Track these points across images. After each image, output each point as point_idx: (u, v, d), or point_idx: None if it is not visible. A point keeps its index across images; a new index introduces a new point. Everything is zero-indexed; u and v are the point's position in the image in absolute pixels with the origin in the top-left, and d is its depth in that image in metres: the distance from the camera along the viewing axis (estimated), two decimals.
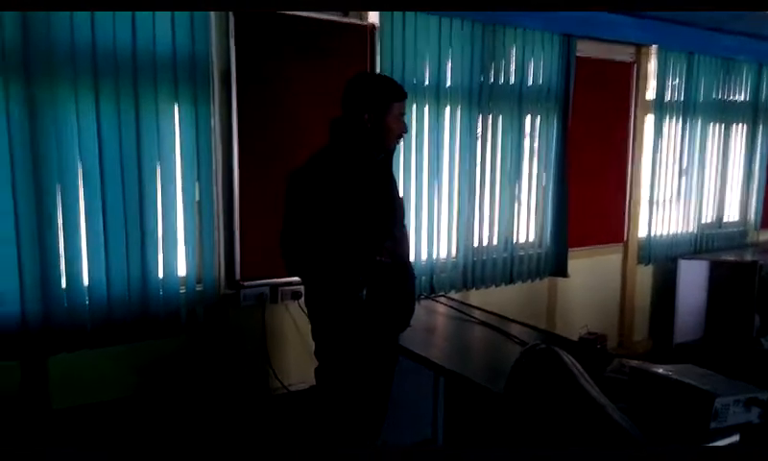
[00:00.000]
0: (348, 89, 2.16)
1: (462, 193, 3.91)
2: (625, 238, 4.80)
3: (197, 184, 3.06)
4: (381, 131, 2.12)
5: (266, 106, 3.22)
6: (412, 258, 3.60)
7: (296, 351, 3.37)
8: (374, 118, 2.11)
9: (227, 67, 3.11)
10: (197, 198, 3.07)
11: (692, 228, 5.13)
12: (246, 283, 3.23)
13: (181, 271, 3.06)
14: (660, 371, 1.79)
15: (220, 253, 3.18)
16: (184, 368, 3.19)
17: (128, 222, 2.89)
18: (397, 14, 3.47)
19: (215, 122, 3.11)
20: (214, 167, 3.11)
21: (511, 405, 0.96)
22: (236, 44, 3.10)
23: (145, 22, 2.84)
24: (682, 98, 4.85)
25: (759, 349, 4.78)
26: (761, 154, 5.53)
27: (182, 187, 3.03)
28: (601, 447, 0.78)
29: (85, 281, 2.85)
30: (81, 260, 2.83)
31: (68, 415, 2.90)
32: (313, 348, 2.29)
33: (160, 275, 2.99)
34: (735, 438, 1.69)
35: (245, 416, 3.30)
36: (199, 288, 3.10)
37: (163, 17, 2.88)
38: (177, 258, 3.03)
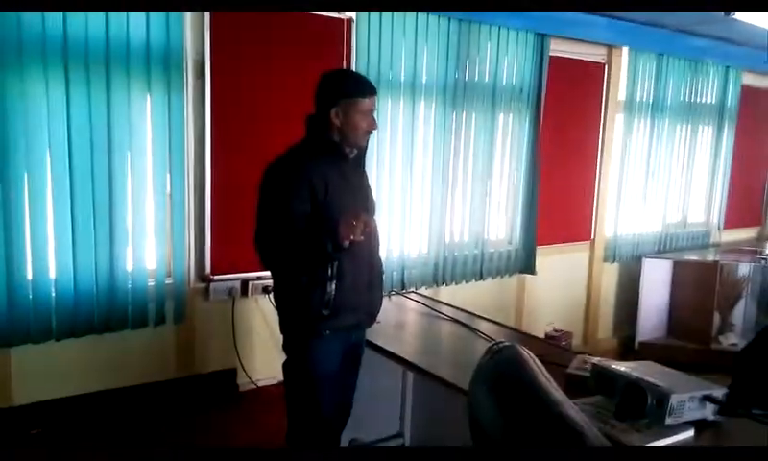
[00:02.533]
0: (317, 87, 2.17)
1: (434, 189, 3.94)
2: (592, 237, 4.89)
3: (168, 176, 3.03)
4: (349, 127, 2.13)
5: (241, 98, 3.19)
6: (383, 254, 3.66)
7: (265, 346, 3.37)
8: (342, 115, 2.12)
9: (201, 58, 3.08)
10: (168, 190, 3.03)
11: (657, 227, 5.25)
12: (216, 277, 3.22)
13: (151, 264, 3.02)
14: (620, 368, 1.85)
15: (190, 246, 3.15)
16: (153, 362, 3.16)
17: (96, 213, 2.85)
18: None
19: (188, 113, 3.08)
20: (186, 159, 3.08)
21: (473, 403, 0.99)
22: (211, 35, 3.07)
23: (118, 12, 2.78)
24: (651, 99, 4.95)
25: (719, 347, 4.93)
26: (726, 156, 5.67)
27: (153, 179, 3.00)
28: (555, 443, 0.81)
29: (52, 273, 2.80)
30: (47, 251, 2.78)
31: (30, 411, 2.85)
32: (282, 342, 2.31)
33: (129, 267, 2.96)
34: (690, 433, 1.76)
35: (213, 411, 3.28)
36: (168, 281, 3.08)
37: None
38: (146, 251, 2.99)
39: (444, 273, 4.08)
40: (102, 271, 2.90)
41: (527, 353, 0.99)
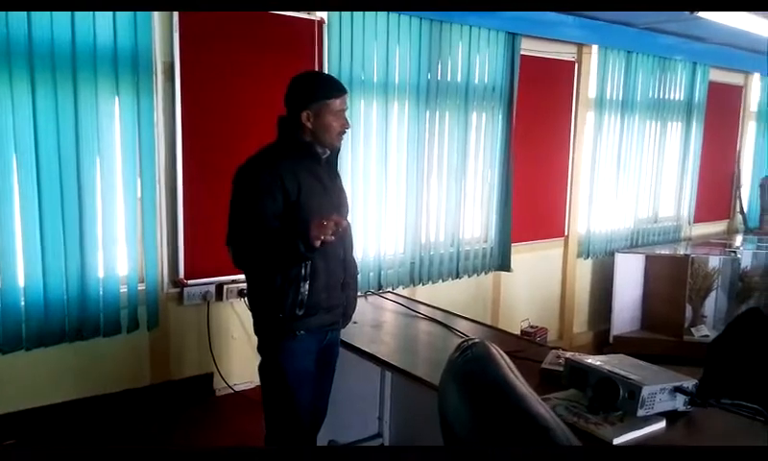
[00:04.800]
0: (288, 89, 2.17)
1: (409, 189, 3.95)
2: (565, 233, 4.95)
3: (138, 180, 2.99)
4: (321, 128, 2.13)
5: (211, 100, 3.16)
6: (359, 255, 3.66)
7: (241, 350, 3.34)
8: (313, 116, 2.12)
9: (170, 60, 3.04)
10: (139, 194, 2.99)
11: (629, 223, 5.32)
12: (190, 282, 3.18)
13: (123, 270, 2.98)
14: (593, 362, 1.88)
15: (163, 251, 3.11)
16: (127, 369, 3.11)
17: (65, 219, 2.80)
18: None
19: (158, 116, 3.04)
20: (157, 162, 3.04)
21: (442, 400, 1.00)
22: (180, 36, 3.03)
23: (85, 13, 2.74)
24: (620, 96, 5.02)
25: (691, 339, 5.02)
26: (695, 151, 5.78)
27: (123, 183, 2.95)
28: (521, 438, 0.82)
29: (21, 281, 2.74)
30: (16, 259, 2.72)
31: (2, 422, 2.79)
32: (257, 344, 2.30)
33: (100, 274, 2.92)
34: (662, 424, 1.79)
35: (189, 417, 3.24)
36: (141, 287, 3.04)
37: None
38: (117, 257, 2.95)
39: (420, 272, 4.09)
40: (72, 278, 2.85)
41: (496, 350, 1.00)
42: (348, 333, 2.59)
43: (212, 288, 3.26)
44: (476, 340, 1.01)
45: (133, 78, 2.90)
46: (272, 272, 2.12)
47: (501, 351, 1.01)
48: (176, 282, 3.18)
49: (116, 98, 2.89)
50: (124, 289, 2.99)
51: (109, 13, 2.79)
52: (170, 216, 3.12)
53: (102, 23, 2.78)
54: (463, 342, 1.03)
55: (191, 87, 3.08)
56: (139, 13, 2.87)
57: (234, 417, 3.31)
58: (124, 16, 2.83)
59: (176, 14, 2.99)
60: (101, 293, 2.92)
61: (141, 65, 2.91)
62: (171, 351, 3.23)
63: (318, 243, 1.99)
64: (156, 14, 2.96)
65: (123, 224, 2.96)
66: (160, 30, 3.00)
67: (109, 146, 2.90)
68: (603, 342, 5.13)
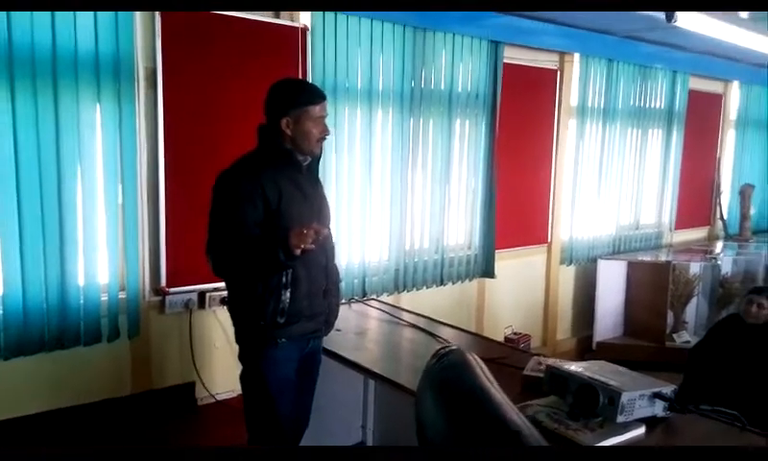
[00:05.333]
0: (267, 96, 2.18)
1: (393, 196, 3.96)
2: (548, 240, 4.98)
3: (120, 187, 2.96)
4: (301, 135, 2.13)
5: (194, 107, 3.15)
6: (344, 262, 3.65)
7: (224, 359, 3.32)
8: (292, 123, 2.12)
9: (153, 66, 3.03)
10: (120, 201, 2.97)
11: (611, 229, 5.37)
12: (172, 290, 3.16)
13: (103, 278, 2.95)
14: (573, 368, 1.90)
15: (144, 258, 3.09)
16: (107, 378, 3.08)
17: (45, 226, 2.77)
18: (329, 17, 3.47)
19: (140, 123, 3.02)
20: (138, 169, 3.02)
21: (419, 407, 1.00)
22: (163, 43, 3.02)
23: (66, 18, 2.72)
24: (602, 104, 5.07)
25: (673, 344, 5.07)
26: (675, 159, 5.85)
27: (105, 190, 2.93)
28: (494, 444, 0.83)
29: None
30: None
31: None
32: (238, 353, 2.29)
33: (81, 282, 2.88)
34: (642, 430, 1.81)
35: (171, 427, 3.21)
36: (122, 296, 3.01)
37: (85, 13, 2.76)
38: (98, 265, 2.92)
39: (404, 279, 4.09)
40: (52, 286, 2.81)
41: (472, 357, 1.00)
42: (332, 341, 2.59)
43: (194, 296, 3.24)
44: (453, 347, 1.02)
45: (115, 83, 2.88)
46: (252, 280, 2.11)
47: (478, 359, 1.02)
48: (157, 290, 3.15)
49: (97, 104, 2.87)
50: (105, 297, 2.96)
51: (91, 19, 2.77)
52: (152, 224, 3.10)
53: (83, 28, 2.76)
54: (439, 349, 1.04)
55: (174, 94, 3.07)
56: (121, 19, 2.85)
57: (217, 426, 3.28)
58: (105, 22, 2.81)
59: (158, 20, 2.98)
60: (81, 301, 2.89)
61: (123, 71, 2.89)
62: (152, 361, 3.20)
63: (298, 252, 1.99)
64: (138, 20, 2.95)
65: (104, 231, 2.93)
66: (142, 36, 2.98)
67: (90, 153, 2.87)
68: (586, 348, 5.16)
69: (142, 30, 2.98)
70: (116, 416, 3.08)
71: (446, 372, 0.97)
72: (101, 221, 2.92)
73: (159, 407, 3.21)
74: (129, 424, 3.10)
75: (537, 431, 0.91)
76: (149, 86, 3.03)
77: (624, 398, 1.73)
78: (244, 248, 2.06)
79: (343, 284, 3.66)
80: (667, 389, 1.87)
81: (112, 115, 2.91)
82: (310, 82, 3.27)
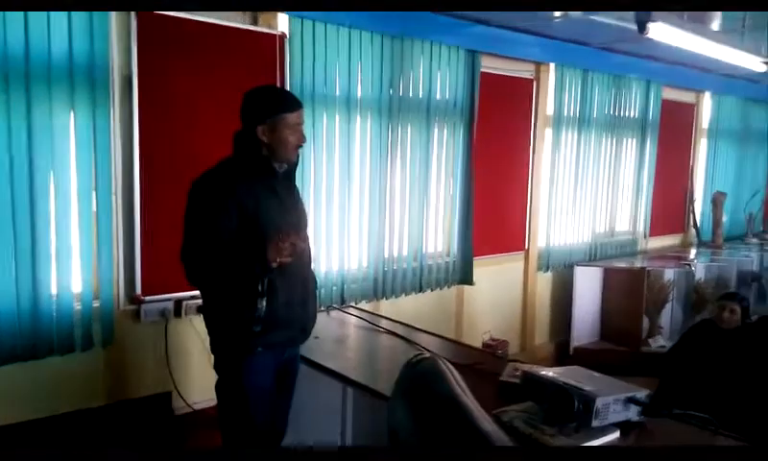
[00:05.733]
0: (242, 104, 2.17)
1: (372, 203, 3.96)
2: (526, 247, 5.02)
3: (94, 194, 2.92)
4: (277, 143, 2.13)
5: (170, 114, 3.13)
6: (322, 270, 3.65)
7: (201, 368, 3.28)
8: (269, 131, 2.12)
9: (128, 73, 3.00)
10: (94, 209, 2.93)
11: (587, 237, 5.44)
12: (147, 298, 3.12)
13: (77, 287, 2.91)
14: (548, 374, 1.91)
15: (119, 267, 3.05)
16: (81, 388, 3.02)
17: (17, 234, 2.72)
18: (307, 24, 3.47)
19: (115, 129, 2.99)
20: (113, 176, 2.99)
21: (390, 413, 1.01)
22: (139, 49, 2.99)
23: (38, 23, 2.68)
24: (577, 113, 5.14)
25: (648, 349, 5.14)
26: (649, 167, 5.94)
27: (78, 198, 2.88)
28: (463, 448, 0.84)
29: None
30: None
31: None
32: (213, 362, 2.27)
33: (53, 291, 2.83)
34: (616, 434, 1.83)
35: (147, 437, 3.16)
36: (95, 304, 2.96)
37: (59, 18, 2.73)
38: (71, 273, 2.87)
39: (383, 286, 4.09)
40: (24, 296, 2.76)
41: (444, 365, 1.01)
42: (310, 349, 2.58)
43: (170, 305, 3.20)
44: (425, 355, 1.03)
45: (90, 90, 2.85)
46: (227, 289, 2.10)
47: (450, 366, 1.03)
48: (132, 299, 3.11)
49: (71, 110, 2.83)
50: (78, 306, 2.91)
51: (65, 24, 2.74)
52: (126, 231, 3.06)
53: (57, 34, 2.72)
54: (412, 357, 1.04)
55: (149, 101, 3.04)
56: (96, 24, 2.82)
57: (194, 436, 3.24)
58: (80, 27, 2.78)
59: (134, 25, 2.96)
60: (54, 310, 2.84)
61: (98, 77, 2.86)
62: (127, 370, 3.16)
63: (274, 265, 1.99)
64: (113, 26, 2.92)
65: (77, 240, 2.89)
66: (118, 42, 2.96)
67: (64, 160, 2.83)
68: (563, 353, 5.21)
69: (117, 36, 2.96)
70: (91, 426, 3.03)
71: (418, 379, 0.98)
72: (74, 229, 2.88)
73: (135, 417, 3.16)
74: (104, 434, 3.05)
75: (506, 437, 0.92)
76: (124, 93, 3.00)
77: (598, 403, 1.75)
78: (220, 257, 2.05)
79: (321, 292, 3.66)
80: (641, 394, 1.89)
81: (87, 122, 2.87)
82: (287, 89, 3.27)
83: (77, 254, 2.89)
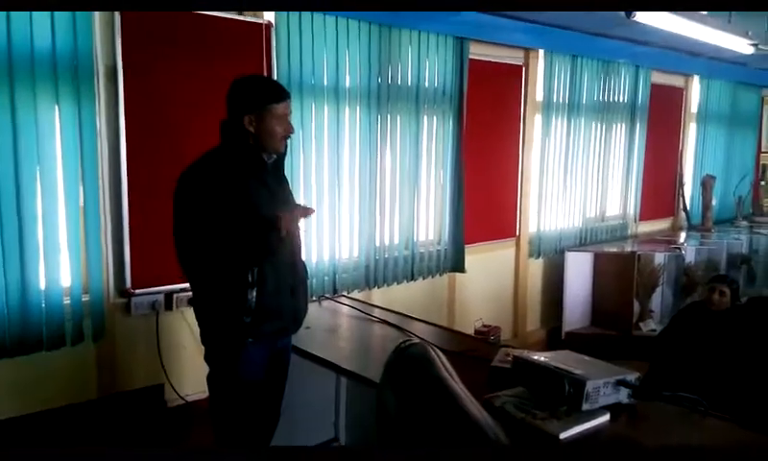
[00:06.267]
0: (229, 93, 2.15)
1: (363, 193, 3.95)
2: (517, 233, 5.03)
3: (81, 188, 2.90)
4: (264, 133, 2.12)
5: (156, 105, 3.10)
6: (313, 259, 3.64)
7: (192, 360, 3.27)
8: (256, 121, 2.10)
9: (113, 64, 2.97)
10: (81, 202, 2.90)
11: (578, 222, 5.45)
12: (137, 291, 3.10)
13: (66, 281, 2.89)
14: (539, 358, 1.92)
15: (108, 260, 3.03)
16: (72, 382, 3.01)
17: (4, 229, 2.70)
18: (294, 13, 3.44)
19: (101, 122, 2.96)
20: (100, 169, 2.96)
21: (379, 399, 1.01)
22: (123, 40, 2.96)
23: (21, 17, 2.64)
24: (567, 99, 5.14)
25: (639, 333, 5.18)
26: (639, 152, 5.96)
27: (65, 192, 2.86)
28: (453, 434, 0.84)
29: None
30: None
31: None
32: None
33: (42, 285, 2.81)
34: (606, 417, 1.84)
35: (140, 429, 3.16)
36: (85, 298, 2.94)
37: (42, 12, 2.69)
38: (60, 267, 2.85)
39: (375, 275, 4.09)
40: (12, 290, 2.74)
41: (433, 351, 1.01)
42: (302, 339, 2.58)
43: (161, 297, 3.19)
44: (414, 341, 1.03)
45: (74, 82, 2.82)
46: (222, 277, 2.08)
47: (438, 352, 1.03)
48: (122, 292, 3.09)
49: (56, 104, 2.80)
50: (67, 301, 2.89)
51: (47, 17, 2.70)
52: (115, 224, 3.04)
53: (39, 27, 2.69)
54: (401, 343, 1.04)
55: (135, 91, 3.01)
56: (79, 18, 2.79)
57: (187, 428, 3.24)
58: (63, 19, 2.75)
59: (117, 16, 2.92)
60: (43, 305, 2.82)
61: (82, 70, 2.83)
62: (119, 363, 3.15)
63: (284, 233, 2.02)
64: (96, 17, 2.89)
65: (65, 233, 2.87)
66: (102, 33, 2.92)
67: (50, 154, 2.80)
68: (555, 338, 5.23)
69: (101, 27, 2.92)
70: (83, 420, 3.02)
71: (407, 365, 0.98)
72: (62, 223, 2.86)
73: (127, 410, 3.16)
74: (96, 427, 3.04)
75: (494, 422, 0.92)
76: (109, 85, 2.97)
77: (589, 386, 1.76)
78: (215, 246, 2.03)
79: (313, 281, 3.66)
80: (631, 376, 1.91)
81: (72, 115, 2.84)
82: (274, 79, 3.25)
83: (65, 249, 2.87)
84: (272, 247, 2.04)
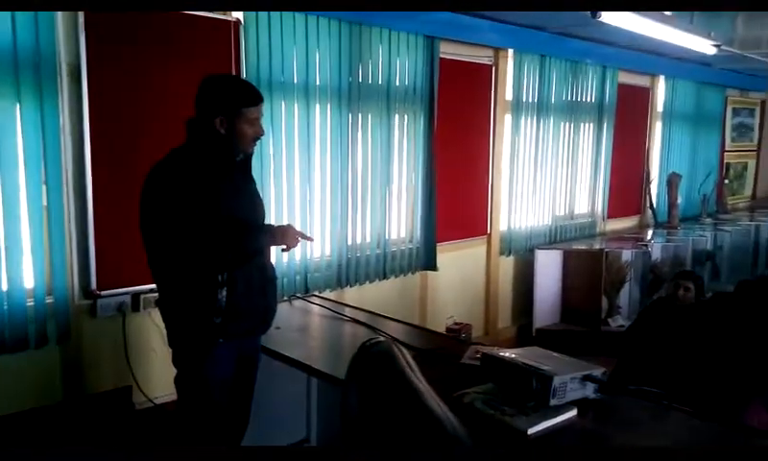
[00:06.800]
0: (199, 92, 2.12)
1: (334, 192, 3.94)
2: (488, 231, 5.07)
3: (44, 187, 2.83)
4: (234, 135, 2.10)
5: (122, 103, 3.04)
6: (284, 259, 3.62)
7: (161, 362, 3.21)
8: (227, 123, 2.08)
9: (76, 62, 2.90)
10: (44, 202, 2.84)
11: (547, 220, 5.51)
12: (103, 292, 3.04)
13: (29, 282, 2.82)
14: (507, 355, 1.94)
15: (72, 261, 2.96)
16: (37, 386, 2.95)
17: None
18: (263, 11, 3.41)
19: (64, 120, 2.89)
20: (64, 168, 2.90)
21: (343, 397, 1.02)
22: (87, 36, 2.90)
23: None
24: (536, 98, 5.19)
25: (608, 329, 5.26)
26: (606, 151, 6.05)
27: (27, 191, 2.79)
28: (415, 430, 0.85)
29: None
30: None
31: None
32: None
33: (4, 287, 2.74)
34: (573, 412, 1.87)
35: (108, 433, 3.11)
36: (49, 300, 2.87)
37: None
38: (23, 269, 2.79)
39: (347, 274, 4.08)
40: None
41: (397, 348, 1.02)
42: (272, 339, 2.57)
43: (128, 298, 3.13)
44: (379, 339, 1.03)
45: (36, 80, 2.74)
46: (198, 276, 2.06)
47: (403, 349, 1.03)
48: (88, 293, 3.03)
49: (17, 102, 2.73)
50: (31, 302, 2.83)
51: (8, 14, 2.63)
52: (79, 224, 2.97)
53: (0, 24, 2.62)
54: (366, 341, 1.05)
55: (100, 90, 2.95)
56: (41, 13, 2.72)
57: (156, 431, 3.19)
58: (24, 17, 2.67)
59: (81, 14, 2.86)
60: (5, 307, 2.75)
61: (44, 68, 2.76)
62: (85, 366, 3.08)
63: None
64: (59, 14, 2.82)
65: (28, 234, 2.80)
66: (64, 29, 2.86)
67: (11, 153, 2.73)
68: (526, 335, 5.29)
69: (64, 24, 2.86)
70: (48, 424, 2.96)
71: (370, 363, 0.98)
72: (24, 223, 2.79)
73: (94, 413, 3.10)
74: (62, 431, 2.98)
75: (454, 417, 0.93)
76: (73, 83, 2.91)
77: (556, 381, 1.78)
78: (189, 240, 2.01)
79: (284, 281, 3.64)
80: (597, 371, 1.94)
81: (34, 114, 2.77)
82: (247, 80, 3.21)
83: (28, 250, 2.80)
84: (254, 253, 2.04)
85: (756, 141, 8.52)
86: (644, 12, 3.44)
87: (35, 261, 2.82)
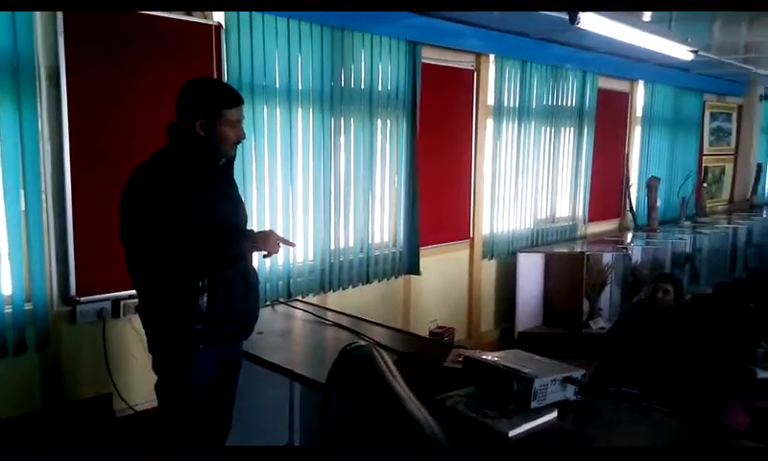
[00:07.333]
0: (180, 96, 2.11)
1: (317, 196, 3.93)
2: (471, 235, 5.09)
3: (22, 192, 2.80)
4: (215, 138, 2.09)
5: (102, 107, 3.01)
6: (267, 264, 3.60)
7: (141, 368, 3.18)
8: (207, 126, 2.07)
9: (55, 65, 2.87)
10: (22, 207, 2.80)
11: (529, 223, 5.55)
12: (83, 299, 3.01)
13: (7, 289, 2.78)
14: (488, 358, 1.95)
15: (51, 266, 2.93)
16: (15, 393, 2.90)
17: None
18: (244, 14, 3.40)
19: (43, 124, 2.86)
20: (42, 173, 2.87)
21: (324, 401, 1.02)
22: (66, 40, 2.87)
23: None
24: (517, 103, 5.24)
25: (589, 331, 5.31)
26: (587, 155, 6.11)
27: (5, 196, 2.76)
28: (394, 433, 0.85)
29: None
30: None
31: None
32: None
33: None
34: (554, 414, 1.88)
35: (88, 440, 3.07)
36: (28, 307, 2.84)
37: None
38: (0, 275, 2.75)
39: (330, 279, 4.07)
40: None
41: (378, 353, 1.02)
42: (254, 344, 2.55)
43: (108, 305, 3.10)
44: (360, 343, 1.03)
45: (14, 83, 2.71)
46: (182, 278, 2.04)
47: (384, 354, 1.04)
48: (67, 300, 2.99)
49: None
50: (9, 309, 2.79)
51: None
52: (58, 229, 2.94)
53: None
54: (347, 345, 1.05)
55: (79, 93, 2.92)
56: (18, 15, 2.69)
57: (137, 438, 3.16)
58: (1, 18, 2.64)
59: (60, 16, 2.83)
60: None
61: (22, 71, 2.73)
62: (64, 373, 3.04)
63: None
64: (37, 15, 2.79)
65: (5, 240, 2.76)
66: (43, 32, 2.83)
67: None
68: (509, 339, 5.31)
69: (43, 26, 2.83)
70: (28, 432, 2.91)
71: (351, 367, 0.99)
72: (2, 229, 2.75)
73: (74, 421, 3.06)
74: (42, 439, 2.93)
75: (433, 420, 0.93)
76: (52, 86, 2.88)
77: (537, 384, 1.79)
78: (171, 245, 1.99)
79: (267, 286, 3.62)
80: (577, 373, 1.95)
81: (12, 117, 2.74)
82: (227, 83, 3.20)
83: (5, 256, 2.76)
84: (235, 259, 2.03)
85: (733, 145, 8.65)
86: (623, 19, 3.49)
87: (12, 267, 2.78)
